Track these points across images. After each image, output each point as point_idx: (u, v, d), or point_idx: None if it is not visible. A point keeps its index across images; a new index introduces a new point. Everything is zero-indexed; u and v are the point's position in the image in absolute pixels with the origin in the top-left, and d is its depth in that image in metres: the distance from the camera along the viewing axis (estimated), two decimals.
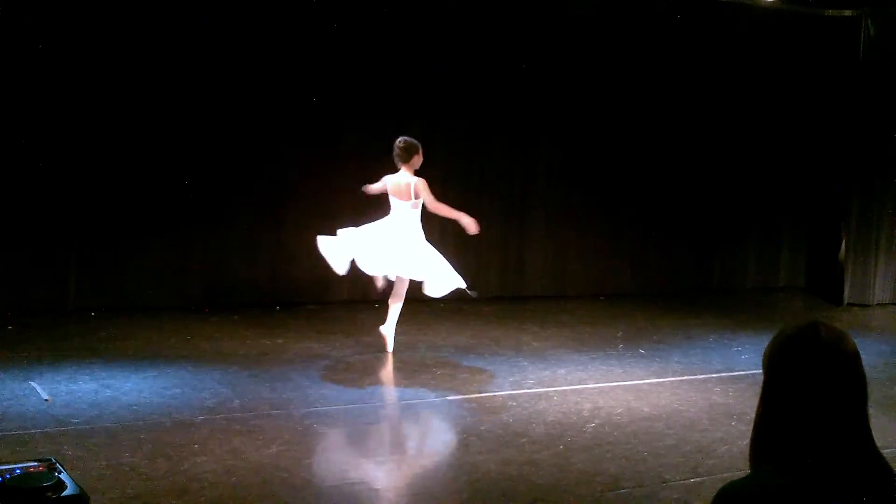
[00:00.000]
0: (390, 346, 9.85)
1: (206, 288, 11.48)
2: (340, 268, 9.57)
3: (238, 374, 8.85)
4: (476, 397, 8.57)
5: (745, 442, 2.59)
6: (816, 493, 2.42)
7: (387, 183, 9.58)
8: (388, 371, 9.29)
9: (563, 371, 9.52)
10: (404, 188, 9.49)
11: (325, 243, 9.55)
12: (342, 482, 6.52)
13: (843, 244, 13.83)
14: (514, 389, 8.85)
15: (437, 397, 8.52)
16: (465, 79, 12.22)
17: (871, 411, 2.51)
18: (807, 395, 2.47)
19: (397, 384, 8.84)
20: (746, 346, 10.67)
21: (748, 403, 8.07)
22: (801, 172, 14.38)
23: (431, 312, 11.77)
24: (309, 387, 8.62)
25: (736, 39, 13.58)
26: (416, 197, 9.49)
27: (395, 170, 9.61)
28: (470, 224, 9.75)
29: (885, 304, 13.70)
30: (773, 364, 2.56)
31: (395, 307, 9.76)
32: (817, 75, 13.92)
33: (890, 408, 8.55)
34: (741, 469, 2.56)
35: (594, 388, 8.96)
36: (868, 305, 13.59)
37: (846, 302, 13.60)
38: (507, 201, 12.84)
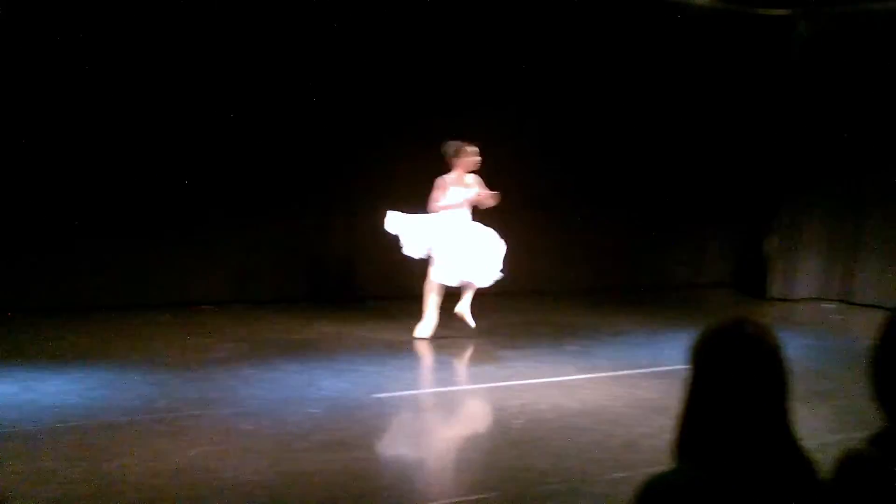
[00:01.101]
0: (472, 321, 10.43)
1: (132, 287, 11.32)
2: (416, 252, 10.30)
3: (163, 375, 8.74)
4: (403, 395, 8.54)
5: (670, 436, 2.60)
6: (739, 487, 2.43)
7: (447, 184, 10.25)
8: (316, 370, 9.21)
9: (490, 368, 9.53)
10: (462, 183, 10.25)
11: (395, 224, 10.30)
12: (268, 482, 6.45)
13: (769, 240, 14.00)
14: (441, 387, 8.84)
15: (364, 395, 8.48)
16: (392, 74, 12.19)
17: (794, 405, 2.53)
18: (731, 390, 2.48)
19: (326, 383, 8.77)
20: (673, 342, 10.73)
21: (674, 398, 8.09)
22: (729, 170, 14.53)
23: (360, 309, 11.74)
24: (235, 386, 8.53)
25: (671, 38, 13.68)
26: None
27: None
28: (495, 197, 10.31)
29: (809, 298, 13.90)
30: (698, 359, 2.57)
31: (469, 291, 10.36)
32: (750, 73, 14.07)
33: (813, 401, 8.65)
34: (665, 464, 2.56)
35: (522, 385, 8.97)
36: (792, 300, 13.78)
37: (772, 297, 13.77)
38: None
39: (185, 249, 11.55)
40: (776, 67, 13.76)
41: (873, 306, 12.92)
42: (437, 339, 10.60)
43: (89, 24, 10.76)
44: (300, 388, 8.58)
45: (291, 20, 11.70)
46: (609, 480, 6.74)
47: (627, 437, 7.66)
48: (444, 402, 8.39)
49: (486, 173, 11.55)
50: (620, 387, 9.11)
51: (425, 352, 10.04)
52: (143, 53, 10.99)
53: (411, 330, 10.90)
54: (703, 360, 2.55)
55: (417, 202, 12.44)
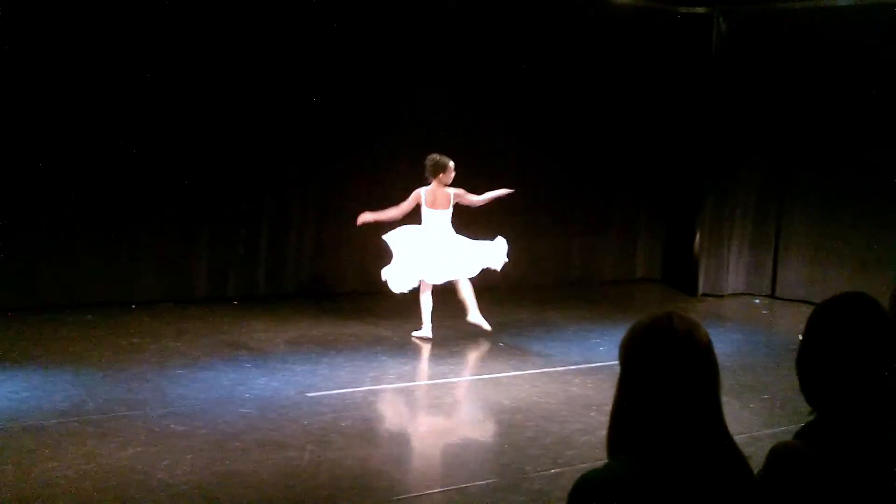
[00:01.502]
0: (487, 326, 10.68)
1: (59, 287, 11.14)
2: (403, 288, 10.45)
3: (92, 376, 8.62)
4: (336, 393, 8.51)
5: (604, 432, 2.61)
6: (671, 481, 2.45)
7: (421, 196, 10.43)
8: (247, 368, 9.15)
9: (422, 365, 9.53)
10: (442, 198, 10.40)
11: (391, 272, 10.49)
12: (201, 483, 6.40)
13: (698, 236, 14.16)
14: (374, 385, 8.82)
15: (297, 394, 8.44)
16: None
17: (723, 399, 2.55)
18: (661, 385, 2.49)
19: (258, 382, 8.72)
20: (604, 338, 10.82)
21: (607, 394, 8.18)
22: (657, 166, 14.66)
23: (290, 308, 11.68)
24: (166, 386, 8.45)
25: (594, 36, 13.76)
26: (455, 205, 10.48)
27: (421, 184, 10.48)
28: (506, 191, 10.81)
29: (738, 294, 14.07)
30: (629, 355, 2.58)
31: (468, 296, 10.57)
32: (673, 71, 14.20)
33: (742, 395, 8.77)
34: (600, 459, 2.57)
35: (454, 382, 8.99)
36: (721, 296, 13.94)
37: (701, 293, 13.92)
38: (366, 198, 12.78)
39: (112, 249, 11.39)
40: (697, 64, 13.91)
41: (799, 301, 13.12)
42: (369, 336, 10.58)
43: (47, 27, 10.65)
44: (232, 388, 8.52)
45: (253, 22, 11.65)
46: (544, 477, 6.77)
47: (561, 433, 7.70)
48: (376, 400, 8.38)
49: (417, 171, 11.59)
50: (553, 383, 9.16)
51: (357, 350, 10.01)
52: (88, 53, 10.83)
53: (344, 328, 10.87)
54: (634, 356, 2.56)
55: (345, 200, 12.48)
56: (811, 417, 2.78)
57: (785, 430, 7.35)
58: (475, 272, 10.53)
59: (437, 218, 10.42)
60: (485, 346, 10.42)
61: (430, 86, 12.76)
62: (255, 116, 11.80)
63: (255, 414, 7.86)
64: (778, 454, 2.65)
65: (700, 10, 14.02)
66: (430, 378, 9.10)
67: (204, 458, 6.82)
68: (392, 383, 8.90)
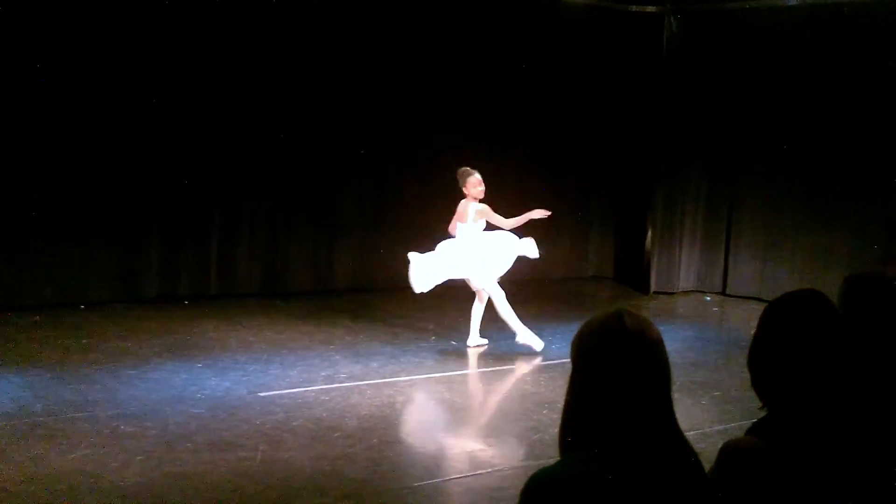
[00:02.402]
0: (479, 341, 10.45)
1: (6, 288, 10.99)
2: (422, 287, 10.06)
3: (40, 377, 8.52)
4: (288, 393, 8.47)
5: (556, 430, 2.61)
6: (623, 478, 2.45)
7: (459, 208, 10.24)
8: (199, 369, 9.08)
9: (375, 364, 9.50)
10: (467, 213, 10.12)
11: (416, 267, 10.06)
12: (152, 484, 6.35)
13: (649, 234, 14.23)
14: (326, 384, 8.78)
15: (248, 394, 8.39)
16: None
17: (675, 396, 2.56)
18: (613, 382, 2.50)
19: (209, 382, 8.66)
20: (557, 336, 10.83)
21: (559, 392, 8.21)
22: (609, 164, 14.73)
23: (242, 308, 11.62)
24: (116, 387, 8.37)
25: (545, 34, 13.79)
26: (474, 221, 10.11)
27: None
28: (541, 213, 10.61)
29: (689, 291, 14.16)
30: (580, 352, 2.59)
31: (475, 315, 10.42)
32: (624, 69, 14.27)
33: (694, 392, 8.82)
34: (553, 457, 2.57)
35: (407, 381, 8.97)
36: (673, 293, 14.02)
37: (652, 290, 13.99)
38: (317, 196, 12.75)
39: (61, 249, 11.26)
40: (648, 63, 13.99)
41: (750, 298, 13.23)
42: (321, 335, 10.54)
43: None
44: (183, 388, 8.46)
45: (202, 22, 11.58)
46: (497, 474, 6.78)
47: (514, 431, 7.71)
48: (329, 399, 8.34)
49: (367, 171, 11.57)
50: (506, 381, 9.17)
51: (309, 349, 9.97)
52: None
53: (295, 327, 10.82)
54: (585, 354, 2.56)
55: (296, 200, 12.45)
56: (762, 413, 2.80)
57: (736, 426, 7.41)
58: (506, 266, 10.34)
59: (462, 233, 10.15)
60: (437, 345, 10.41)
61: (382, 83, 12.73)
62: (204, 115, 11.72)
63: (207, 414, 7.81)
64: (729, 450, 2.66)
65: (651, 8, 14.10)
66: (383, 377, 9.07)
67: (154, 459, 6.76)
68: (344, 382, 8.87)
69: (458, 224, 10.15)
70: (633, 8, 14.28)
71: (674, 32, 13.69)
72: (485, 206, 10.13)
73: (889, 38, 12.09)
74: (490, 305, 10.20)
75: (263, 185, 12.35)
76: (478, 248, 10.10)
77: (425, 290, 10.08)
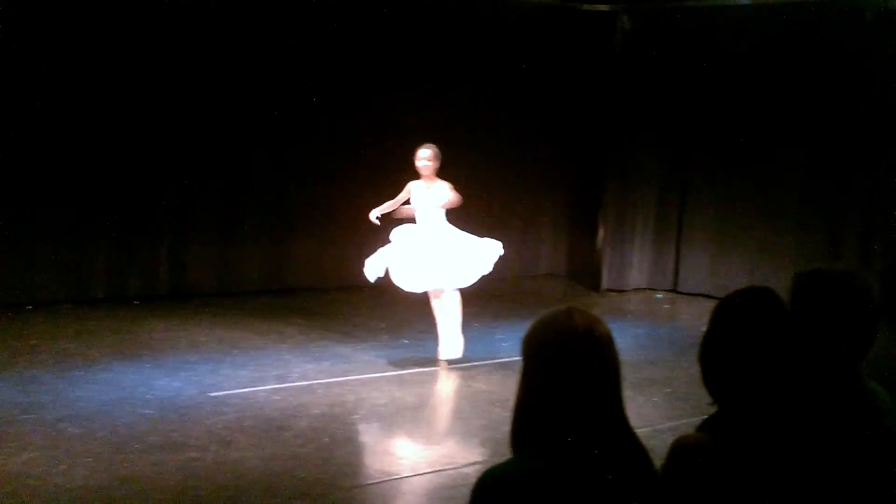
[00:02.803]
0: (453, 352, 9.64)
1: None
2: (373, 276, 9.61)
3: None
4: (239, 392, 8.42)
5: (508, 428, 2.61)
6: (575, 475, 2.45)
7: (411, 189, 9.71)
8: (148, 369, 9.00)
9: (327, 363, 9.46)
10: (425, 193, 9.62)
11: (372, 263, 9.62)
12: (100, 486, 6.28)
13: (601, 232, 14.28)
14: (277, 383, 8.74)
15: (199, 394, 8.33)
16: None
17: (626, 393, 2.56)
18: (563, 380, 2.50)
19: (159, 382, 8.58)
20: (508, 333, 10.85)
21: (510, 390, 8.20)
22: (561, 161, 14.76)
23: (193, 307, 11.53)
24: (64, 388, 8.27)
25: (497, 31, 13.79)
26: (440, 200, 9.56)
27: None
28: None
29: (641, 288, 14.22)
30: (530, 350, 2.58)
31: (446, 322, 9.64)
32: (576, 68, 14.30)
33: (645, 389, 8.86)
34: (504, 455, 2.57)
35: (358, 380, 8.94)
36: (625, 291, 14.08)
37: (604, 288, 14.04)
38: (268, 195, 12.68)
39: (7, 248, 11.12)
40: (600, 61, 14.04)
41: (700, 295, 13.31)
42: (273, 334, 10.49)
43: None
44: (132, 389, 8.37)
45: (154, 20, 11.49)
46: (450, 473, 6.78)
47: (466, 429, 7.71)
48: (280, 399, 8.29)
49: (323, 169, 11.50)
50: (457, 379, 9.17)
51: (261, 349, 9.91)
52: None
53: (246, 327, 10.75)
54: (535, 352, 2.56)
55: (246, 199, 12.38)
56: (713, 410, 2.81)
57: (687, 423, 7.44)
58: (464, 283, 9.72)
59: (424, 216, 9.61)
60: (389, 344, 10.38)
61: (335, 83, 12.68)
62: (153, 114, 11.61)
63: (156, 415, 7.74)
64: (679, 447, 2.67)
65: (603, 7, 14.15)
66: (334, 376, 9.03)
67: (103, 461, 6.69)
68: (296, 382, 8.83)
69: (415, 203, 9.60)
70: (585, 6, 14.32)
71: (625, 31, 13.75)
72: (446, 183, 9.70)
73: (837, 37, 12.22)
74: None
75: (214, 183, 12.26)
76: (456, 247, 9.65)
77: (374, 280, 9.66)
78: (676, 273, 14.13)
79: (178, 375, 8.84)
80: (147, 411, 7.82)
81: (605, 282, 14.06)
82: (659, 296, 13.99)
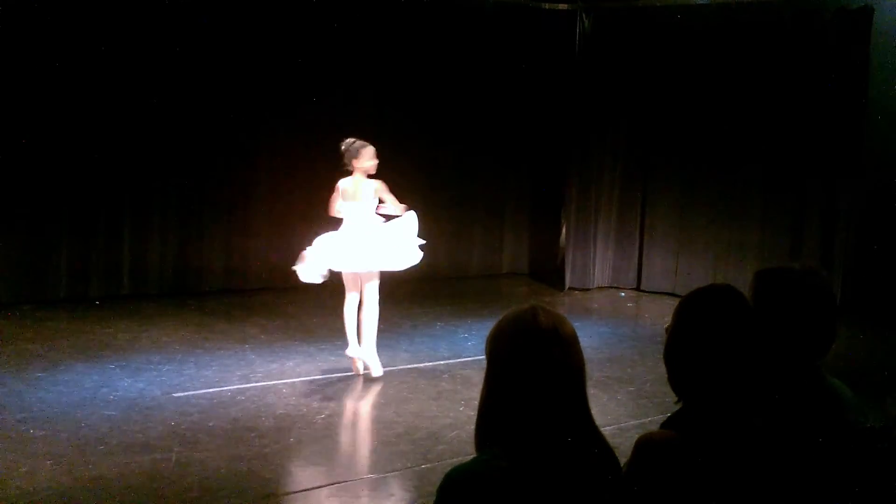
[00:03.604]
0: (378, 370, 9.09)
1: None
2: (312, 277, 8.93)
3: None
4: (203, 393, 8.39)
5: (473, 426, 2.62)
6: (539, 473, 2.46)
7: (339, 188, 9.06)
8: (111, 370, 8.94)
9: (291, 363, 9.44)
10: (361, 190, 8.98)
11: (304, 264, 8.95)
12: (63, 489, 6.23)
13: (564, 231, 14.32)
14: (242, 383, 8.71)
15: (162, 394, 8.29)
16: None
17: (590, 391, 2.57)
18: (527, 378, 2.51)
19: (122, 383, 8.53)
20: (472, 333, 10.88)
21: (475, 389, 8.22)
22: (522, 160, 14.80)
23: (155, 308, 11.48)
24: (24, 391, 8.21)
25: (459, 30, 13.81)
26: (372, 199, 9.00)
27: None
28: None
29: (604, 287, 14.26)
30: (494, 349, 2.60)
31: (368, 323, 9.04)
32: (537, 66, 14.34)
33: (609, 387, 8.90)
34: (470, 453, 2.58)
35: (323, 380, 8.93)
36: (588, 289, 14.11)
37: (567, 286, 14.07)
38: (228, 194, 12.62)
39: None
40: (561, 60, 14.08)
41: (663, 293, 13.40)
42: (236, 334, 10.45)
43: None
44: (94, 390, 8.33)
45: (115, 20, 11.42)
46: (415, 472, 6.79)
47: (431, 428, 7.71)
48: (245, 399, 8.27)
49: (281, 168, 11.44)
50: (422, 379, 9.17)
51: (224, 349, 9.87)
52: None
53: (209, 327, 10.72)
54: (499, 351, 2.57)
55: (207, 198, 12.31)
56: (677, 407, 2.83)
57: (651, 420, 7.49)
58: (396, 265, 9.14)
59: (356, 212, 8.99)
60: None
61: (294, 82, 12.64)
62: (113, 113, 11.54)
63: (120, 416, 7.70)
64: (644, 444, 2.68)
65: (564, 6, 14.20)
66: (299, 376, 9.02)
67: (66, 463, 6.65)
68: (260, 381, 8.80)
69: (349, 203, 9.00)
70: (546, 5, 14.37)
71: (586, 30, 13.79)
72: (382, 183, 9.08)
73: (795, 36, 12.32)
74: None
75: (175, 183, 12.20)
76: (385, 235, 9.05)
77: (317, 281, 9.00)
78: (639, 271, 14.19)
79: (141, 376, 8.79)
80: (110, 412, 7.77)
81: (569, 280, 14.10)
82: (622, 294, 14.05)
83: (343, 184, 9.04)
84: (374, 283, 9.05)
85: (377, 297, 9.07)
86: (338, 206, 9.05)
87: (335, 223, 9.13)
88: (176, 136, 11.99)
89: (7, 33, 10.86)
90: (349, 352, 9.05)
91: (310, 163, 12.83)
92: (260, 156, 12.67)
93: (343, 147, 9.06)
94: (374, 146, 9.11)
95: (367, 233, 8.96)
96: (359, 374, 9.07)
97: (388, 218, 9.12)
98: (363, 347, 9.05)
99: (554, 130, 14.35)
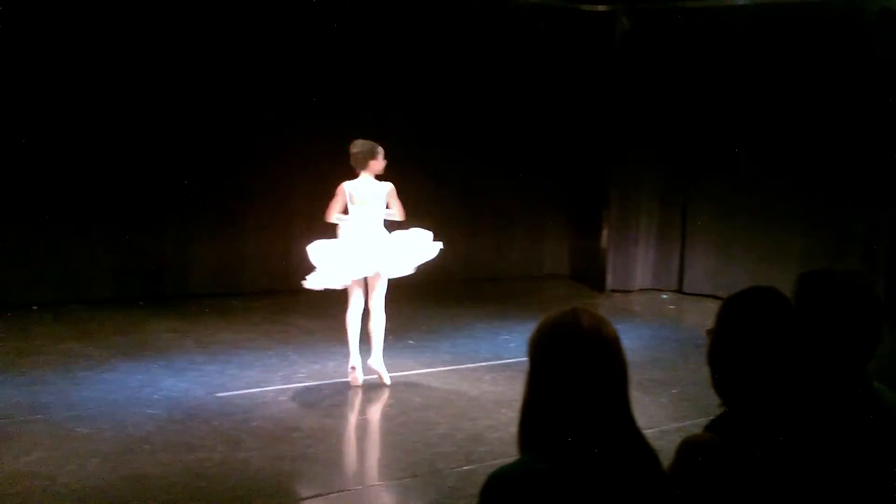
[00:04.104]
0: (387, 378, 8.85)
1: None
2: (320, 284, 8.61)
3: None
4: (246, 393, 8.44)
5: (515, 428, 2.62)
6: (582, 476, 2.45)
7: (345, 191, 8.67)
8: (155, 370, 9.02)
9: (333, 363, 9.47)
10: (373, 193, 8.65)
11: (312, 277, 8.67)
12: (108, 486, 6.29)
13: (605, 232, 14.28)
14: (284, 384, 8.75)
15: (206, 394, 8.35)
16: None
17: (632, 394, 2.57)
18: (569, 380, 2.50)
19: (165, 383, 8.60)
20: (514, 334, 10.86)
21: (517, 391, 8.18)
22: (564, 162, 14.77)
23: (198, 308, 11.56)
24: (70, 389, 8.30)
25: (497, 33, 13.80)
26: (386, 204, 8.70)
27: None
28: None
29: (646, 289, 14.21)
30: (536, 351, 2.59)
31: (376, 332, 8.78)
32: (576, 68, 14.31)
33: (651, 390, 8.86)
34: (512, 455, 2.58)
35: (364, 381, 8.94)
36: (629, 291, 14.07)
37: (609, 288, 14.04)
38: (271, 196, 12.68)
39: (13, 249, 11.15)
40: (601, 61, 14.03)
41: (705, 295, 13.32)
42: (279, 335, 10.50)
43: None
44: (139, 389, 8.40)
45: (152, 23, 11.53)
46: (456, 473, 6.78)
47: (473, 430, 7.71)
48: (287, 399, 8.31)
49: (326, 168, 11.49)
50: (463, 380, 9.17)
51: (266, 349, 9.92)
52: None
53: (252, 327, 10.77)
54: (542, 352, 2.57)
55: (250, 199, 12.37)
56: (721, 411, 2.81)
57: (693, 423, 7.45)
58: (405, 271, 8.88)
59: (368, 216, 8.69)
60: (395, 345, 10.38)
61: (336, 82, 12.67)
62: (157, 114, 11.65)
63: (163, 415, 7.76)
64: (687, 446, 2.67)
65: (602, 7, 14.15)
66: (341, 377, 9.04)
67: (110, 461, 6.71)
68: (302, 382, 8.84)
69: (360, 207, 8.64)
70: (585, 7, 14.33)
71: (625, 32, 13.75)
72: (392, 186, 8.76)
73: (838, 37, 12.21)
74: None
75: (218, 184, 12.28)
76: (383, 247, 8.70)
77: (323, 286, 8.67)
78: (681, 273, 14.13)
79: (184, 376, 8.86)
80: (154, 412, 7.84)
81: (610, 282, 14.06)
82: (664, 296, 13.99)
83: (351, 187, 8.67)
84: (382, 290, 8.79)
85: (384, 303, 8.84)
86: (336, 211, 8.70)
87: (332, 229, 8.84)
88: (218, 137, 12.06)
89: (54, 40, 10.98)
90: (355, 362, 8.72)
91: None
92: (302, 159, 12.70)
93: (357, 148, 8.70)
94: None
95: (381, 237, 8.67)
96: (358, 387, 8.72)
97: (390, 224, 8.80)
98: (373, 357, 8.80)
99: (594, 132, 14.31)
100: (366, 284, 8.79)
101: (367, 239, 8.61)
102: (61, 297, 11.38)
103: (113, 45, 11.32)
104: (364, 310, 8.80)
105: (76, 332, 10.28)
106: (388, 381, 8.86)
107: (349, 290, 8.77)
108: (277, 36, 12.31)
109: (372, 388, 8.79)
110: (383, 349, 8.92)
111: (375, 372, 8.88)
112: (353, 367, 8.77)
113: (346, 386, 8.77)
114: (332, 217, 8.75)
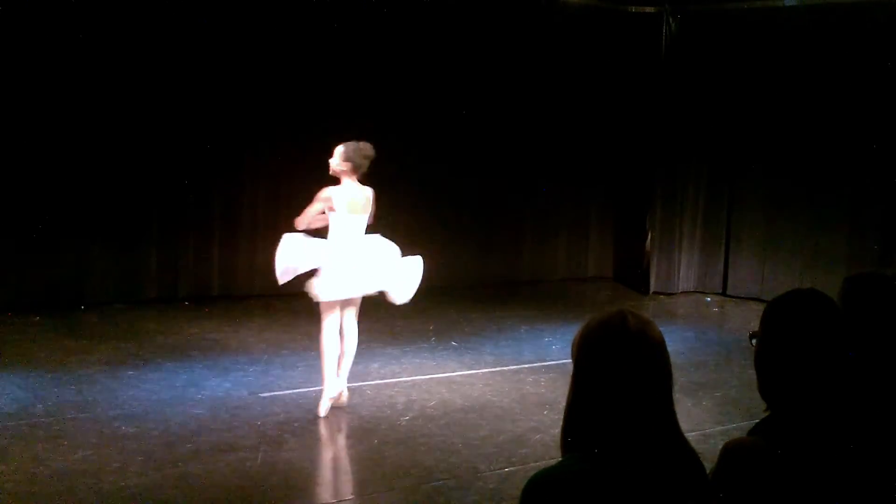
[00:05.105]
0: (323, 411, 7.87)
1: (3, 289, 10.98)
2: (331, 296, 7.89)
3: (40, 378, 8.53)
4: (289, 393, 8.48)
5: (558, 431, 2.61)
6: (625, 478, 2.45)
7: (333, 198, 7.79)
8: (199, 369, 9.08)
9: (376, 365, 9.50)
10: (361, 200, 7.83)
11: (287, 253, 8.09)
12: (153, 485, 6.35)
13: (649, 235, 14.23)
14: None
15: (249, 394, 8.39)
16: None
17: (676, 396, 2.56)
18: (614, 382, 2.50)
19: (209, 383, 8.66)
20: (557, 336, 10.84)
21: (560, 393, 8.21)
22: (608, 165, 14.74)
23: (242, 308, 11.61)
24: (117, 388, 8.37)
25: (543, 34, 13.79)
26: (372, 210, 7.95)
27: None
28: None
29: (689, 292, 14.15)
30: (582, 353, 2.58)
31: (353, 354, 8.18)
32: (623, 70, 14.27)
33: (695, 393, 8.82)
34: (554, 457, 2.58)
35: (407, 382, 8.97)
36: (673, 294, 14.01)
37: (652, 291, 13.99)
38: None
39: (60, 249, 11.26)
40: (647, 63, 13.98)
41: (750, 298, 13.24)
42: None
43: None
44: (184, 389, 8.46)
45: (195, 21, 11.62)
46: (498, 475, 6.78)
47: (515, 431, 7.71)
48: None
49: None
50: (506, 382, 9.17)
51: (309, 350, 9.95)
52: None
53: (295, 328, 10.81)
54: (587, 354, 2.56)
55: (296, 201, 12.35)
56: (765, 414, 2.80)
57: (736, 427, 7.41)
58: (385, 287, 8.11)
59: (358, 227, 7.87)
60: (437, 346, 10.41)
61: (378, 82, 12.69)
62: (201, 117, 11.72)
63: (207, 415, 7.81)
64: (731, 450, 2.66)
65: (650, 9, 14.11)
66: (384, 377, 9.07)
67: (155, 459, 6.77)
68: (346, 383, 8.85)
69: (351, 216, 7.79)
70: (632, 8, 14.29)
71: (672, 33, 13.70)
72: (373, 190, 7.94)
73: (887, 38, 12.09)
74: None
75: (265, 185, 12.34)
76: (373, 263, 7.94)
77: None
78: (725, 276, 14.06)
79: (228, 376, 8.92)
80: (198, 411, 7.89)
81: (654, 285, 14.02)
82: (708, 299, 13.91)
83: (337, 193, 7.77)
84: (357, 307, 8.22)
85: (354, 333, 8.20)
86: (312, 218, 7.93)
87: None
88: (263, 138, 12.14)
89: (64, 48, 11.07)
90: (330, 392, 7.92)
91: (411, 168, 12.87)
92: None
93: (350, 148, 7.81)
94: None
95: (372, 250, 7.92)
96: (343, 407, 8.14)
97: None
98: (341, 378, 8.05)
99: (640, 134, 14.26)
100: (343, 303, 8.09)
101: (367, 253, 7.88)
102: (108, 297, 11.49)
103: (117, 48, 11.33)
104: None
105: (122, 331, 10.37)
106: (346, 400, 8.17)
107: (325, 308, 8.00)
108: (303, 38, 12.34)
109: (414, 388, 8.80)
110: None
111: (338, 392, 8.09)
112: (331, 399, 7.95)
113: (388, 386, 8.79)
114: (306, 223, 7.95)
